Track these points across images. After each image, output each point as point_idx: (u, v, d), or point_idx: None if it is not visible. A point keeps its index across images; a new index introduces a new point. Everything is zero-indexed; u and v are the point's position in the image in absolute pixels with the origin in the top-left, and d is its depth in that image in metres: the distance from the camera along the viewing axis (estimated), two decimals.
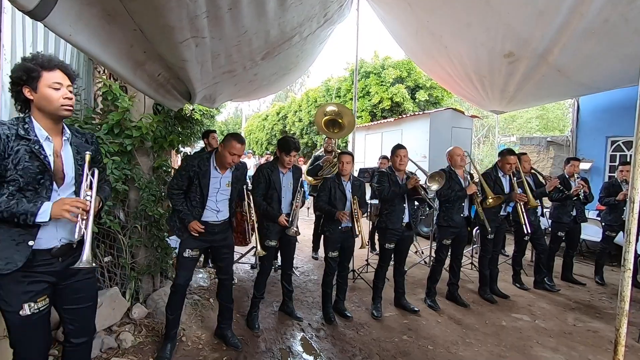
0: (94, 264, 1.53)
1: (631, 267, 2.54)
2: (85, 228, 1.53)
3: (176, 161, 5.11)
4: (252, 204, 3.02)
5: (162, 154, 3.25)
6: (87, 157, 1.62)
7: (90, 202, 1.55)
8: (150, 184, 3.05)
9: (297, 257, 5.35)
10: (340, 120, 4.41)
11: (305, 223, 7.99)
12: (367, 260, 4.81)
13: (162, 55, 1.89)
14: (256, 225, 2.92)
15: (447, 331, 3.22)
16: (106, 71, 3.15)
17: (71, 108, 1.54)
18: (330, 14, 2.66)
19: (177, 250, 2.80)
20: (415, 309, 3.62)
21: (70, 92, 1.54)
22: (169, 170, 3.33)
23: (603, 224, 4.81)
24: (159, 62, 1.97)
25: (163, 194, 3.20)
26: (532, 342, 3.05)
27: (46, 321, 1.60)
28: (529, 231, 3.88)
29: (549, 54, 4.10)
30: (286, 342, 2.97)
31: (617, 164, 5.89)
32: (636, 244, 4.54)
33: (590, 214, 5.89)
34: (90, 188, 1.60)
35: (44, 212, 1.45)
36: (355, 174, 5.33)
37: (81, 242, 1.54)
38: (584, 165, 6.63)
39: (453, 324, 3.36)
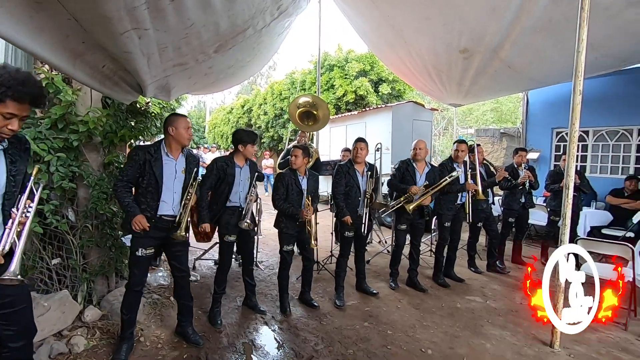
0: (19, 277, 1.44)
1: None
2: (18, 239, 1.46)
3: None
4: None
5: (113, 149, 3.10)
6: (35, 170, 1.60)
7: (30, 215, 1.50)
8: (101, 181, 2.91)
9: (262, 251, 5.34)
10: (315, 112, 4.36)
11: (271, 217, 7.96)
12: (331, 252, 4.88)
13: (103, 46, 1.79)
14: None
15: (406, 316, 3.36)
16: None
17: (7, 137, 1.44)
18: (284, 6, 2.63)
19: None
20: (374, 291, 3.80)
21: (23, 119, 1.44)
22: (122, 166, 3.19)
23: (548, 209, 5.18)
24: (101, 53, 1.86)
25: None
26: (483, 322, 3.26)
27: None
28: (471, 220, 4.16)
29: (501, 50, 4.33)
30: (249, 335, 2.97)
31: (561, 153, 6.35)
32: (575, 227, 4.96)
33: (538, 200, 6.32)
34: (31, 200, 1.55)
35: None
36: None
37: (10, 253, 1.46)
38: (533, 155, 7.08)
39: (412, 309, 3.51)
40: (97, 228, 2.96)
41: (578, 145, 6.27)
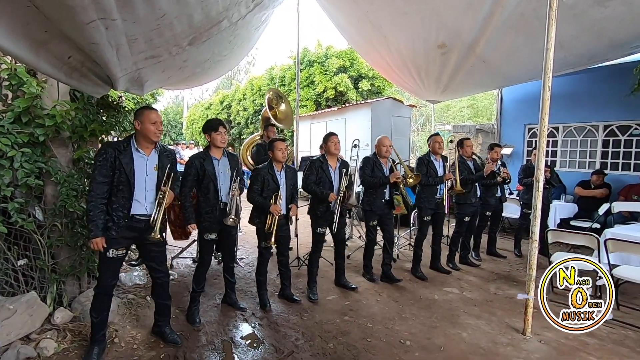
0: None
1: (537, 239, 2.88)
2: None
3: None
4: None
5: (83, 144, 2.97)
6: None
7: None
8: (71, 178, 2.79)
9: (242, 247, 5.28)
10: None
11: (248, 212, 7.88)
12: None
13: (68, 36, 1.70)
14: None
15: (385, 309, 3.41)
16: None
17: None
18: None
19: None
20: (354, 286, 3.83)
21: None
22: (92, 162, 3.07)
23: (521, 202, 5.36)
24: (66, 43, 1.76)
25: (86, 188, 2.95)
26: (460, 312, 3.34)
27: None
28: (447, 212, 4.27)
29: (476, 45, 4.43)
30: (229, 333, 2.94)
31: (533, 148, 6.58)
32: (546, 219, 5.15)
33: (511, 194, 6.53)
34: None
35: None
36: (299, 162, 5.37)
37: None
38: (507, 150, 7.30)
39: (391, 302, 3.56)
40: (66, 227, 2.84)
41: (548, 140, 6.56)
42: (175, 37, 2.20)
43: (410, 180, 3.98)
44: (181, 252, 4.72)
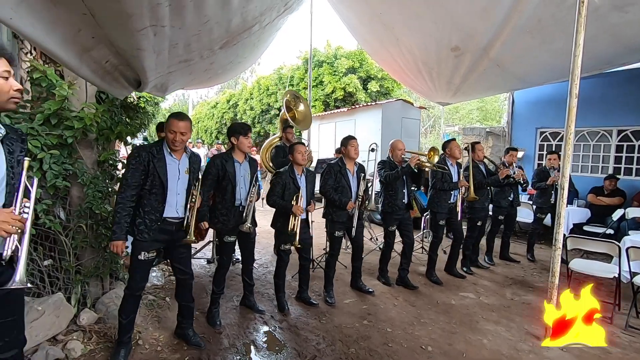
0: (28, 284, 1.38)
1: (560, 247, 2.88)
2: (20, 244, 1.37)
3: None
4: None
5: (108, 146, 2.98)
6: (26, 164, 1.44)
7: (28, 215, 1.40)
8: (96, 180, 2.80)
9: (254, 249, 5.28)
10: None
11: (260, 214, 7.86)
12: (325, 249, 4.89)
13: (113, 42, 1.71)
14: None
15: (403, 313, 3.41)
16: (35, 53, 2.80)
17: (19, 100, 1.34)
18: (290, 2, 2.59)
19: (129, 251, 2.61)
20: (370, 290, 3.84)
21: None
22: (116, 164, 3.08)
23: (534, 206, 5.35)
24: (108, 48, 1.77)
25: (110, 189, 2.96)
26: (478, 317, 3.35)
27: None
28: (460, 217, 4.29)
29: (491, 49, 4.41)
30: (249, 336, 2.95)
31: (545, 152, 6.56)
32: None
33: (523, 197, 6.52)
34: (28, 198, 1.43)
35: None
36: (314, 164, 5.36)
37: (12, 258, 1.38)
38: (518, 154, 7.27)
39: (408, 306, 3.57)
40: (91, 228, 2.85)
41: (560, 144, 6.55)
42: (210, 42, 2.20)
43: (435, 160, 3.98)
44: (196, 252, 4.73)
